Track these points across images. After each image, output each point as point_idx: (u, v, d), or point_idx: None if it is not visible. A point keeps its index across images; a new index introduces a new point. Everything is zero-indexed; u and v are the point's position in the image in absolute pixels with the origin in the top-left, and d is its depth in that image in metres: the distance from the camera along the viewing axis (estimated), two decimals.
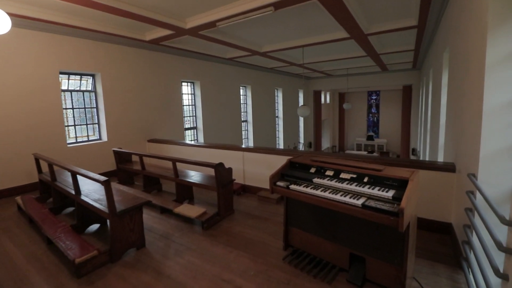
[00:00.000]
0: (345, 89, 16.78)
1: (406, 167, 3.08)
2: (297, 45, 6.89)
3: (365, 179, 1.97)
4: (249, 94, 10.52)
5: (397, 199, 1.74)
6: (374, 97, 25.04)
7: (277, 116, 13.29)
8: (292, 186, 2.18)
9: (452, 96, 3.57)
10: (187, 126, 7.77)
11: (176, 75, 7.04)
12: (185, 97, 7.77)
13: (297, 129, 15.76)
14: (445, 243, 2.83)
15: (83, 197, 2.78)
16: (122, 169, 4.61)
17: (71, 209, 3.76)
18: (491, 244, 1.58)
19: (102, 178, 2.43)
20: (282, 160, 4.06)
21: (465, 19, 2.86)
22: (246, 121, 10.68)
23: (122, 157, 4.71)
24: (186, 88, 7.78)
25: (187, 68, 7.39)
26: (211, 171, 4.02)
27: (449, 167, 2.98)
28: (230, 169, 3.36)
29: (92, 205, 2.60)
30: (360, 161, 2.21)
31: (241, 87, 10.21)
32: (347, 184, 1.98)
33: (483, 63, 1.96)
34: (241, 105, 10.18)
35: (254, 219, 3.41)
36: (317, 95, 16.74)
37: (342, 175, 2.07)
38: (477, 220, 1.90)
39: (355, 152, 21.39)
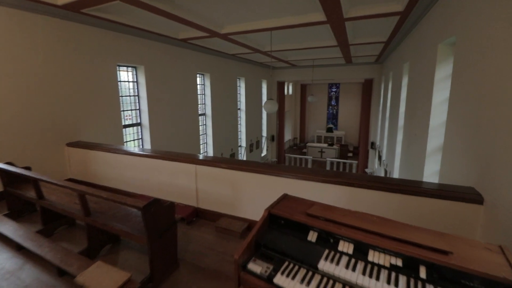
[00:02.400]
0: (309, 80, 16.27)
1: (415, 194, 2.28)
2: (265, 28, 5.78)
3: (422, 272, 1.03)
4: (207, 83, 9.15)
5: None
6: (334, 90, 25.33)
7: (240, 109, 12.15)
8: (279, 279, 1.14)
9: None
10: (127, 122, 6.21)
11: (110, 57, 5.40)
12: (124, 85, 6.16)
13: (260, 121, 14.84)
14: None
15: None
16: (12, 193, 3.08)
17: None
18: None
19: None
20: (249, 178, 3.02)
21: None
22: (204, 114, 9.34)
23: (13, 176, 3.15)
24: (125, 74, 6.15)
25: (126, 49, 5.78)
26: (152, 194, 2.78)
27: (472, 197, 2.25)
28: (171, 206, 2.17)
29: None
30: (399, 225, 1.24)
31: (198, 75, 8.79)
32: (386, 280, 1.01)
33: None
34: (198, 96, 8.79)
35: (210, 279, 2.31)
36: (280, 86, 15.94)
37: (373, 256, 1.09)
38: None
39: (315, 144, 21.44)
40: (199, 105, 8.96)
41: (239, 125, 12.13)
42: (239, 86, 11.98)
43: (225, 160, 3.27)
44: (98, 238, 2.44)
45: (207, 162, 3.24)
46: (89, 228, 2.31)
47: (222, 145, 10.24)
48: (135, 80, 6.35)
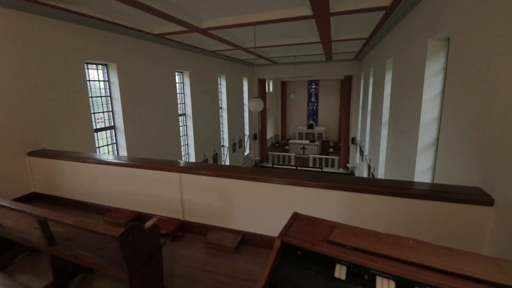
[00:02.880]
0: (290, 78, 16.19)
1: (421, 197, 2.13)
2: (248, 22, 5.47)
3: None
4: (187, 81, 8.67)
5: None
6: (313, 87, 25.58)
7: (221, 107, 11.75)
8: None
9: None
10: (99, 126, 5.64)
11: (77, 53, 4.84)
12: (94, 85, 5.59)
13: (242, 120, 14.54)
14: None
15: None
16: None
17: None
18: None
19: None
20: (240, 186, 2.73)
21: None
22: (184, 114, 8.87)
23: None
24: (94, 73, 5.58)
25: (96, 45, 5.22)
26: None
27: (482, 199, 2.13)
28: (154, 229, 1.81)
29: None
30: (440, 251, 1.01)
31: (176, 73, 8.29)
32: None
33: None
34: (178, 95, 8.30)
35: None
36: (262, 83, 15.71)
37: None
38: None
39: (297, 141, 21.51)
40: (179, 105, 8.48)
41: (221, 125, 11.75)
42: (220, 84, 11.57)
43: (213, 167, 2.95)
44: (66, 269, 2.04)
45: (193, 169, 2.90)
46: (54, 259, 1.91)
47: (204, 146, 9.82)
48: (107, 79, 5.79)
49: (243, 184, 2.70)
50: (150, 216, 3.21)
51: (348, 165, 15.56)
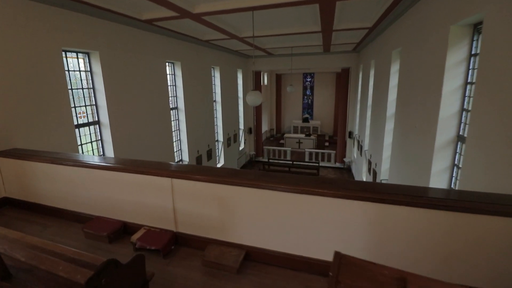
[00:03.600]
0: (286, 70, 15.71)
1: (471, 211, 1.75)
2: (246, 7, 4.97)
3: None
4: (178, 73, 8.12)
5: None
6: (309, 80, 25.18)
7: (215, 101, 11.23)
8: None
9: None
10: (81, 121, 5.11)
11: (53, 39, 4.27)
12: (76, 76, 5.03)
13: (237, 114, 14.05)
14: None
15: None
16: None
17: None
18: None
19: None
20: (243, 194, 2.33)
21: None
22: (176, 108, 8.34)
23: None
24: (74, 62, 5.02)
25: (75, 30, 4.65)
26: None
27: None
28: (137, 262, 1.38)
29: None
30: None
31: (167, 64, 7.73)
32: None
33: None
34: (169, 87, 7.76)
35: None
36: (257, 76, 15.19)
37: None
38: None
39: (293, 135, 21.18)
40: (170, 98, 7.94)
41: (215, 119, 11.25)
42: (214, 76, 11.03)
43: (211, 171, 2.52)
44: None
45: (187, 174, 2.47)
46: None
47: (198, 142, 9.34)
48: (89, 69, 5.23)
49: (247, 192, 2.29)
50: (138, 226, 2.77)
51: (344, 159, 15.33)
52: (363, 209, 1.99)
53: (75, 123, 4.84)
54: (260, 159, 16.62)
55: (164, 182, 2.56)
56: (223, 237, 2.50)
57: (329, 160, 16.07)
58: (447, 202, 1.81)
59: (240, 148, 14.79)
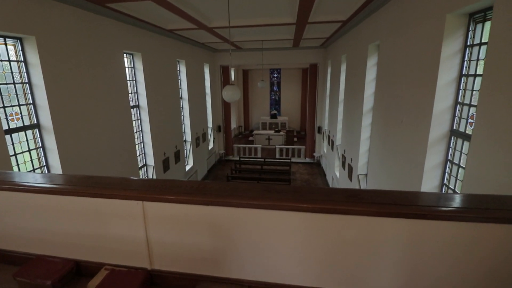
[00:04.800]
0: (257, 65, 15.27)
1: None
2: None
3: None
4: (139, 66, 7.15)
5: None
6: (275, 75, 25.16)
7: (182, 97, 10.34)
8: None
9: None
10: (13, 125, 4.05)
11: None
12: (2, 67, 3.95)
13: (205, 111, 13.25)
14: None
15: None
16: None
17: None
18: None
19: None
20: (242, 216, 1.81)
21: None
22: (137, 106, 7.37)
23: None
24: (1, 50, 3.93)
25: (5, 13, 3.60)
26: None
27: None
28: None
29: None
30: None
31: (126, 55, 6.74)
32: None
33: None
34: (128, 82, 6.79)
35: None
36: (225, 71, 14.49)
37: None
38: None
39: (262, 131, 20.94)
40: (130, 95, 6.97)
41: (182, 117, 10.37)
42: (180, 70, 10.11)
43: (197, 188, 1.94)
44: None
45: (165, 195, 1.85)
46: None
47: (164, 143, 8.45)
48: (22, 59, 4.16)
49: (251, 215, 1.76)
50: (97, 266, 2.07)
51: (314, 154, 15.48)
52: (396, 227, 1.60)
53: (5, 127, 3.79)
54: (231, 157, 16.04)
55: (132, 206, 1.91)
56: (216, 272, 1.94)
57: (299, 156, 16.12)
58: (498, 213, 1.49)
59: (210, 147, 14.04)
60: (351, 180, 7.75)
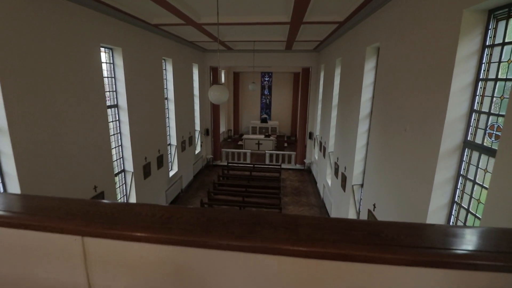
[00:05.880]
0: (248, 67, 14.84)
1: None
2: None
3: None
4: (119, 61, 6.53)
5: None
6: (267, 79, 24.87)
7: (167, 98, 9.73)
8: None
9: None
10: None
11: None
12: None
13: (192, 114, 12.65)
14: None
15: None
16: None
17: None
18: None
19: None
20: (228, 261, 1.29)
21: None
22: (116, 106, 6.74)
23: None
24: None
25: None
26: None
27: None
28: None
29: None
30: None
31: (104, 50, 6.13)
32: None
33: None
34: (106, 80, 6.17)
35: None
36: (215, 72, 13.97)
37: None
38: None
39: (252, 136, 20.48)
40: (108, 93, 6.34)
41: (167, 119, 9.75)
42: (166, 69, 9.52)
43: (158, 217, 1.41)
44: None
45: (112, 229, 1.32)
46: None
47: (146, 147, 7.81)
48: None
49: (232, 259, 1.25)
50: None
51: (305, 160, 15.12)
52: (438, 282, 1.13)
53: None
54: (219, 162, 15.44)
55: (68, 243, 1.36)
56: None
57: (289, 162, 15.72)
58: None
59: (197, 152, 13.41)
60: (344, 190, 7.36)
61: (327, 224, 1.34)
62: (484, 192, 2.77)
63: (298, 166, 15.38)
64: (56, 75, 4.57)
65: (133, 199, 7.23)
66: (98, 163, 5.64)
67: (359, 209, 6.57)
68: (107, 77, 6.30)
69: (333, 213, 8.76)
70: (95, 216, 1.42)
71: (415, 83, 3.68)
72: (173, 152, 10.32)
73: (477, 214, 2.84)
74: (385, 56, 4.84)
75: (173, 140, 10.24)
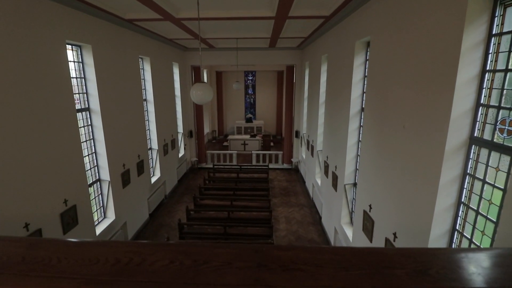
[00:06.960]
0: (231, 66, 14.38)
1: None
2: None
3: None
4: (89, 60, 5.91)
5: None
6: (250, 78, 24.49)
7: (146, 100, 9.12)
8: None
9: None
10: None
11: None
12: None
13: (175, 115, 12.05)
14: None
15: None
16: None
17: None
18: None
19: None
20: None
21: None
22: (87, 109, 6.11)
23: None
24: None
25: None
26: None
27: None
28: None
29: None
30: None
31: (73, 48, 5.51)
32: None
33: None
34: (75, 80, 5.55)
35: None
36: (196, 72, 13.43)
37: None
38: None
39: (237, 136, 20.05)
40: (77, 96, 5.72)
41: (146, 122, 9.15)
42: (143, 69, 8.91)
43: (115, 266, 1.00)
44: None
45: None
46: None
47: (124, 153, 7.21)
48: None
49: None
50: None
51: (292, 160, 14.91)
52: None
53: None
54: (204, 165, 14.90)
55: None
56: None
57: (276, 162, 15.46)
58: None
59: (180, 155, 12.81)
60: (336, 189, 7.15)
61: (354, 260, 1.00)
62: (496, 192, 2.57)
63: (285, 166, 15.14)
64: (19, 75, 3.96)
65: (111, 211, 6.63)
66: (68, 173, 5.03)
67: (353, 209, 6.37)
68: (76, 78, 5.68)
69: (325, 214, 8.55)
70: (32, 264, 1.00)
71: (414, 77, 3.46)
72: (154, 157, 9.72)
73: (489, 216, 2.63)
74: (378, 49, 4.62)
75: (154, 144, 9.64)
